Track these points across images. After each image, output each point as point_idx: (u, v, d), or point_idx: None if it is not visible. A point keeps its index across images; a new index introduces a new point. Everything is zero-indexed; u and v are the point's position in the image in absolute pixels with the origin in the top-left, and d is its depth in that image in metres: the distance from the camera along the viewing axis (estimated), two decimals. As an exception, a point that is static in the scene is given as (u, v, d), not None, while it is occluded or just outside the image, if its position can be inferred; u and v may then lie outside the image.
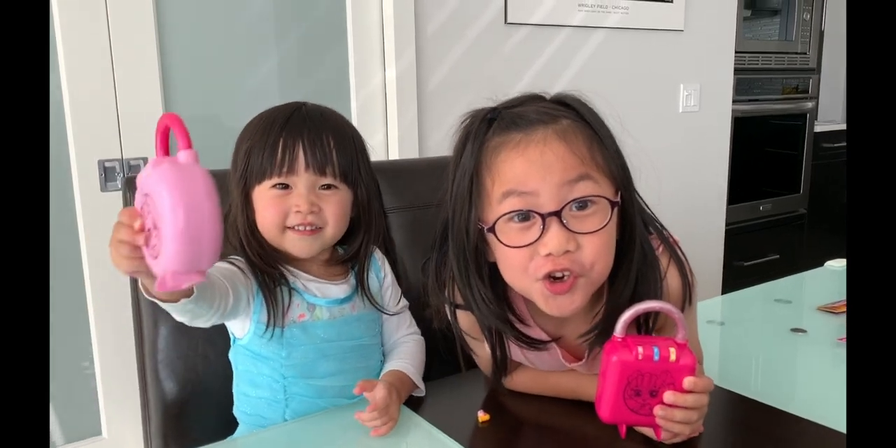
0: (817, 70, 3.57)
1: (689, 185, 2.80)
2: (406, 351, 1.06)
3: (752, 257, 3.33)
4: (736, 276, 3.09)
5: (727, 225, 3.10)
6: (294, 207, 0.94)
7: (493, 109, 0.86)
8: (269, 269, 0.96)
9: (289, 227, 0.95)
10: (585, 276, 0.81)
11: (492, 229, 0.82)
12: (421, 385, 1.01)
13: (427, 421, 0.95)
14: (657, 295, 0.86)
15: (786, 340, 1.23)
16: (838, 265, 1.62)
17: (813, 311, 1.36)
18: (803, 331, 1.26)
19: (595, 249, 0.80)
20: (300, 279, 0.99)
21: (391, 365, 1.02)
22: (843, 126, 3.62)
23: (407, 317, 1.11)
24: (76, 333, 1.74)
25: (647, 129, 2.60)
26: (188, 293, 0.78)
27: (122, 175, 1.68)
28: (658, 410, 0.80)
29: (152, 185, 0.63)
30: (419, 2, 2.07)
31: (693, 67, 2.78)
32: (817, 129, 3.59)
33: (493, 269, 0.87)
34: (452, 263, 0.87)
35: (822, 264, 1.65)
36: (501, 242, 0.82)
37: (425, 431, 0.93)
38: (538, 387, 1.01)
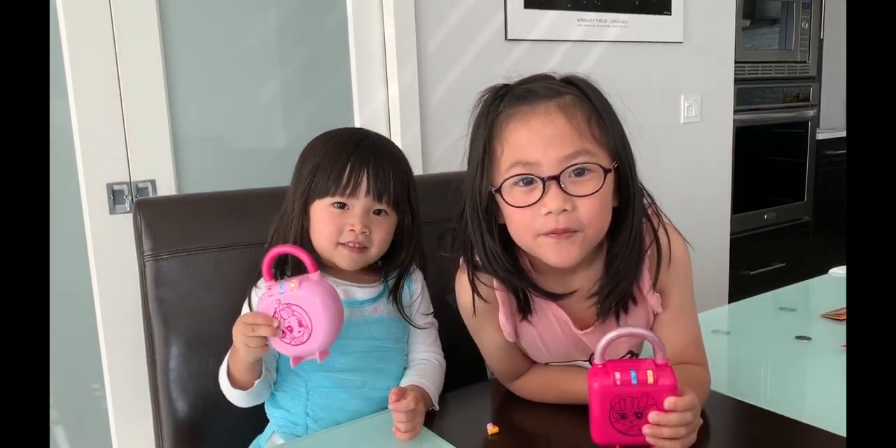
0: (818, 78, 3.59)
1: (692, 196, 2.81)
2: (429, 370, 1.10)
3: (757, 266, 3.32)
4: (742, 285, 3.09)
5: (732, 234, 3.10)
6: (349, 226, 1.02)
7: (506, 86, 0.96)
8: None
9: (341, 243, 1.03)
10: (582, 232, 0.89)
11: (499, 191, 0.91)
12: (436, 405, 1.05)
13: (436, 434, 0.96)
14: (641, 257, 0.95)
15: (791, 348, 1.24)
16: (842, 272, 1.63)
17: (817, 319, 1.36)
18: (808, 338, 1.27)
19: (589, 210, 0.89)
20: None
21: (414, 380, 1.06)
22: (845, 133, 3.61)
23: (433, 334, 1.15)
24: (86, 356, 1.75)
25: (649, 141, 2.60)
26: (258, 376, 1.00)
27: (130, 198, 1.69)
28: (646, 430, 0.83)
29: (304, 298, 0.92)
30: (420, 20, 2.09)
31: (693, 78, 2.80)
32: (819, 136, 3.59)
33: (504, 233, 0.95)
34: (468, 222, 0.96)
35: (827, 272, 1.66)
36: (508, 203, 0.91)
37: (435, 444, 0.94)
38: (547, 390, 1.03)
